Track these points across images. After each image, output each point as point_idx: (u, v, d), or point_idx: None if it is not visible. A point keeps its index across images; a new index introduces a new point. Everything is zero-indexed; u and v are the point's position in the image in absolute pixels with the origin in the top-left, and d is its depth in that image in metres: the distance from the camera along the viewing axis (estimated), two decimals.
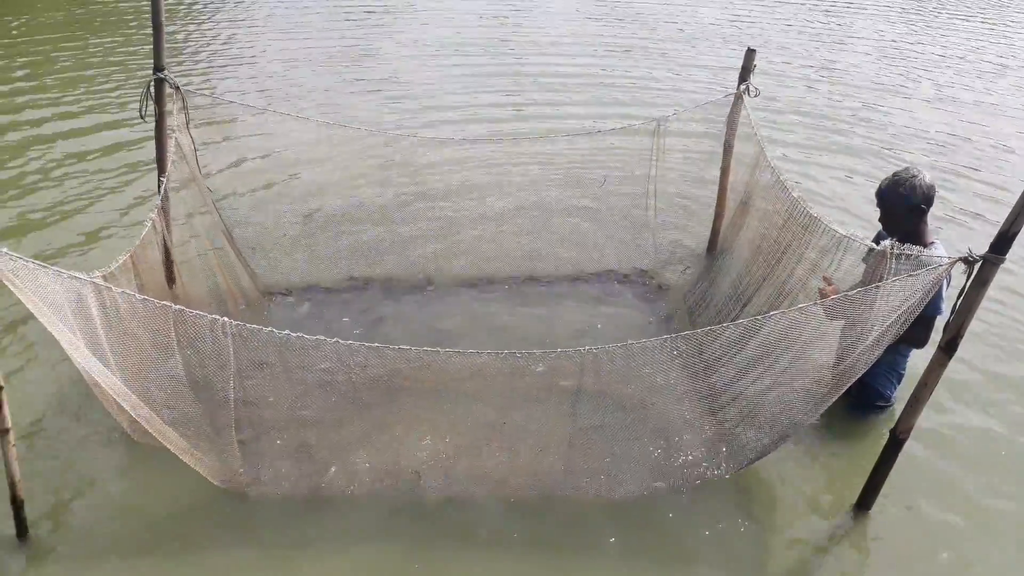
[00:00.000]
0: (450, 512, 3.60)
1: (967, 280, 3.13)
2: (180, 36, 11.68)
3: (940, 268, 3.21)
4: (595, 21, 14.40)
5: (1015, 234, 2.98)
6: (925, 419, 3.56)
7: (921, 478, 3.94)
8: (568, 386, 3.53)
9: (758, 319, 3.46)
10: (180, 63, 10.16)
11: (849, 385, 3.53)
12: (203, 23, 12.80)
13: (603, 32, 13.40)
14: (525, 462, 3.71)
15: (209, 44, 11.48)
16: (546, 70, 10.82)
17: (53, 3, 13.80)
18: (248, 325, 3.03)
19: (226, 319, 3.02)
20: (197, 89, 8.45)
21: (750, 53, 4.75)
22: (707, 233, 5.43)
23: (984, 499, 3.87)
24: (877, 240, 4.18)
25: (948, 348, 3.25)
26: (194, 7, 13.90)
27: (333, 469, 3.68)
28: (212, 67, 10.29)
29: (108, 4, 13.66)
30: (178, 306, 3.02)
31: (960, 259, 3.13)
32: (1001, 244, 3.01)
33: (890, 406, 4.29)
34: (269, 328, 3.05)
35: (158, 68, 4.17)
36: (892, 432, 3.50)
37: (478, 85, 9.95)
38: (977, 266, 3.09)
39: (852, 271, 3.92)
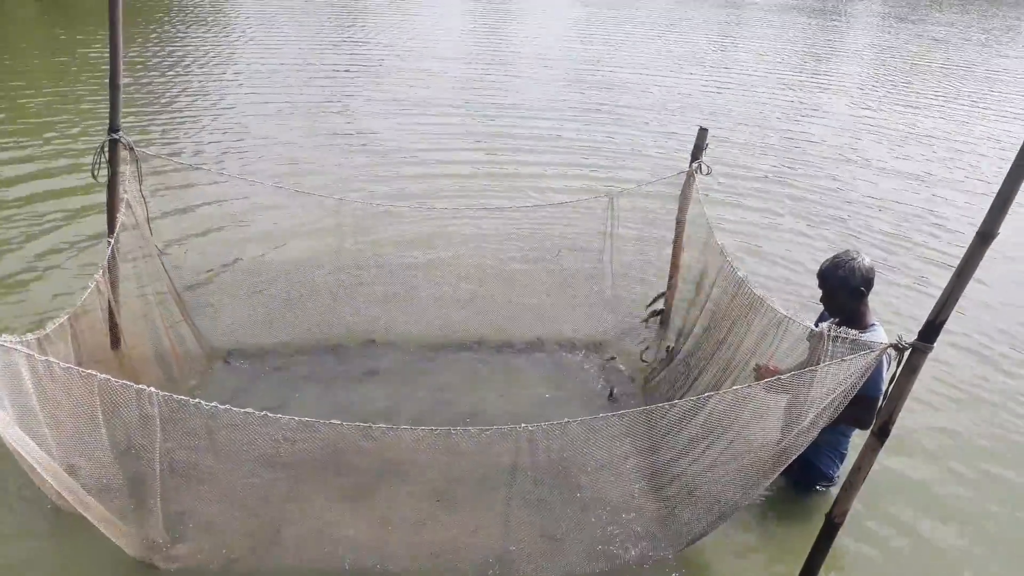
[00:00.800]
0: None
1: (897, 367, 3.16)
2: (139, 90, 11.71)
3: (872, 354, 3.23)
4: (568, 86, 14.76)
5: (942, 323, 3.02)
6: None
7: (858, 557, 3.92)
8: (505, 463, 3.48)
9: (694, 400, 3.46)
10: (136, 118, 10.11)
11: (785, 466, 3.52)
12: (166, 77, 12.90)
13: (574, 98, 13.69)
14: (460, 541, 3.64)
15: (172, 99, 11.53)
16: (514, 131, 11.04)
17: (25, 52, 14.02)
18: (175, 396, 2.98)
19: (152, 389, 2.96)
20: (153, 147, 8.50)
21: (702, 132, 4.86)
22: (661, 306, 5.46)
23: None
24: (821, 319, 4.25)
25: (880, 433, 3.25)
26: (160, 62, 14.01)
27: (260, 543, 3.59)
28: (172, 123, 10.30)
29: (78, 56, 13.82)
30: (103, 375, 2.96)
31: (891, 345, 3.17)
32: (929, 332, 3.04)
33: (833, 485, 4.28)
34: (196, 400, 3.00)
35: (113, 128, 4.18)
36: (828, 516, 3.47)
37: (443, 144, 10.15)
38: (907, 353, 3.12)
39: (795, 348, 3.95)
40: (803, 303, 5.82)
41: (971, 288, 2.98)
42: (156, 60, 13.93)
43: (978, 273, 2.93)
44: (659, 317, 5.44)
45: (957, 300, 2.96)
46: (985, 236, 2.82)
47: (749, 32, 24.27)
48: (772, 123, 12.99)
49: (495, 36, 20.66)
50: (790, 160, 10.84)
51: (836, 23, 27.67)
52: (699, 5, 29.43)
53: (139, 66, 13.17)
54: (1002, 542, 4.16)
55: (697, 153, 4.86)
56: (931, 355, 3.05)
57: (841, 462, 4.27)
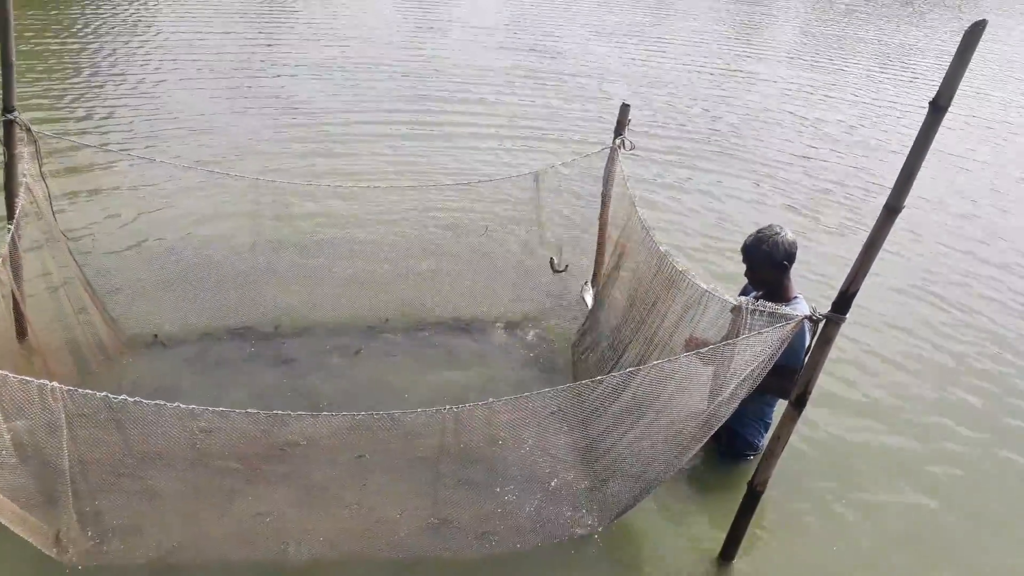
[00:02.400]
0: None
1: (811, 338, 3.25)
2: (38, 65, 11.09)
3: (788, 325, 3.30)
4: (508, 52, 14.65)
5: (854, 293, 3.10)
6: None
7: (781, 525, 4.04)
8: (432, 445, 3.45)
9: (620, 375, 3.49)
10: (36, 97, 9.51)
11: (709, 436, 3.59)
12: (69, 50, 12.25)
13: (506, 67, 13.61)
14: (391, 523, 3.61)
15: (76, 75, 10.95)
16: (442, 101, 10.97)
17: None
18: (80, 390, 2.85)
19: (55, 384, 2.82)
20: (55, 126, 8.08)
21: (624, 108, 4.86)
22: (590, 280, 5.48)
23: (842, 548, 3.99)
24: (744, 293, 4.33)
25: (798, 403, 3.34)
26: (62, 33, 13.27)
27: (184, 538, 3.49)
28: (77, 101, 9.76)
29: None
30: (1, 371, 2.81)
31: (805, 317, 3.25)
32: (842, 303, 3.13)
33: (758, 454, 4.39)
34: (104, 393, 2.86)
35: (7, 109, 3.95)
36: (750, 484, 3.56)
37: (369, 116, 10.00)
38: (821, 325, 3.20)
39: (717, 321, 4.01)
40: (728, 275, 5.92)
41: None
42: (57, 32, 13.17)
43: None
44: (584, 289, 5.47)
45: (867, 272, 3.04)
46: (892, 210, 2.89)
47: (684, 7, 24.45)
48: (700, 92, 13.20)
49: (427, 6, 20.33)
50: (715, 131, 11.04)
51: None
52: None
53: (36, 39, 12.43)
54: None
55: (620, 129, 4.86)
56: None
57: (767, 431, 4.38)
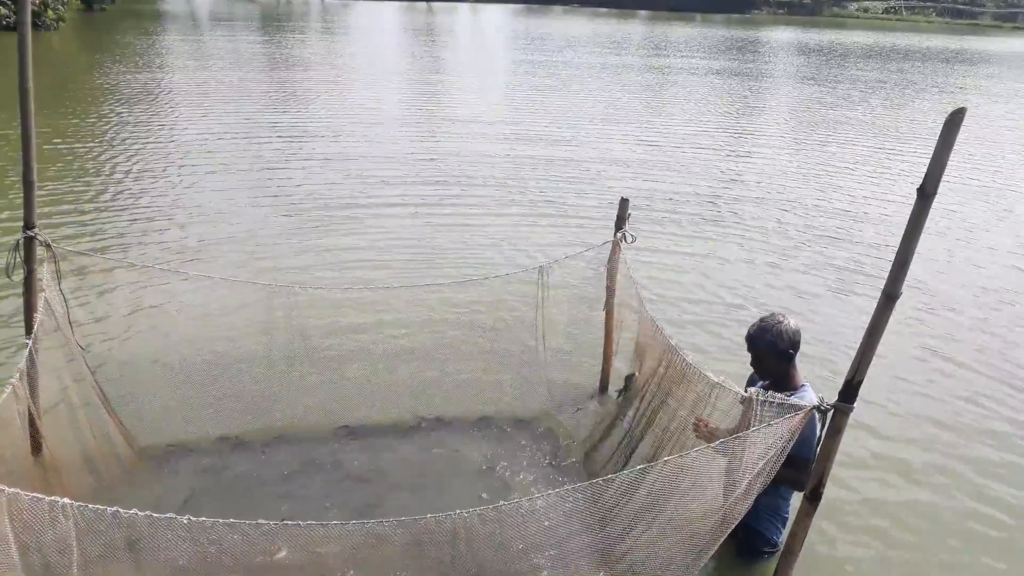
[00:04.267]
0: None
1: (822, 429, 3.23)
2: (58, 180, 11.36)
3: (796, 416, 3.29)
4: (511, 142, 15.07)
5: (860, 382, 3.11)
6: None
7: None
8: (443, 552, 3.40)
9: (633, 472, 3.47)
10: (53, 208, 9.78)
11: (727, 535, 3.52)
12: (86, 165, 12.55)
13: (508, 163, 13.99)
14: None
15: (93, 189, 11.18)
16: (446, 198, 11.25)
17: None
18: (90, 506, 2.86)
19: (66, 500, 2.84)
20: (71, 239, 8.29)
21: (624, 202, 4.98)
22: (599, 374, 5.49)
23: None
24: (751, 383, 4.32)
25: (813, 496, 3.30)
26: (78, 149, 13.68)
27: None
28: (93, 213, 9.98)
29: None
30: (12, 489, 2.83)
31: (814, 408, 3.25)
32: (848, 392, 3.13)
33: (777, 551, 4.28)
34: (114, 508, 2.87)
35: (28, 226, 4.10)
36: None
37: (375, 214, 10.28)
38: (830, 415, 3.19)
39: (729, 412, 4.00)
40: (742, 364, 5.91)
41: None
42: (74, 148, 13.64)
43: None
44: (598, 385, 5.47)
45: (871, 359, 3.06)
46: (890, 297, 2.93)
47: (676, 93, 25.18)
48: (699, 173, 13.54)
49: (431, 103, 21.05)
50: (715, 212, 11.23)
51: (755, 84, 28.94)
52: (627, 71, 30.52)
53: (56, 156, 12.89)
54: None
55: (620, 223, 4.97)
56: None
57: (784, 526, 4.28)
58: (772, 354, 4.02)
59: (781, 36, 57.68)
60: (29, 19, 3.83)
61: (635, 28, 60.44)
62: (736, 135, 18.29)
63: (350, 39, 42.46)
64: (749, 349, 4.13)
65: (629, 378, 5.01)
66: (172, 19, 47.95)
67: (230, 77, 23.37)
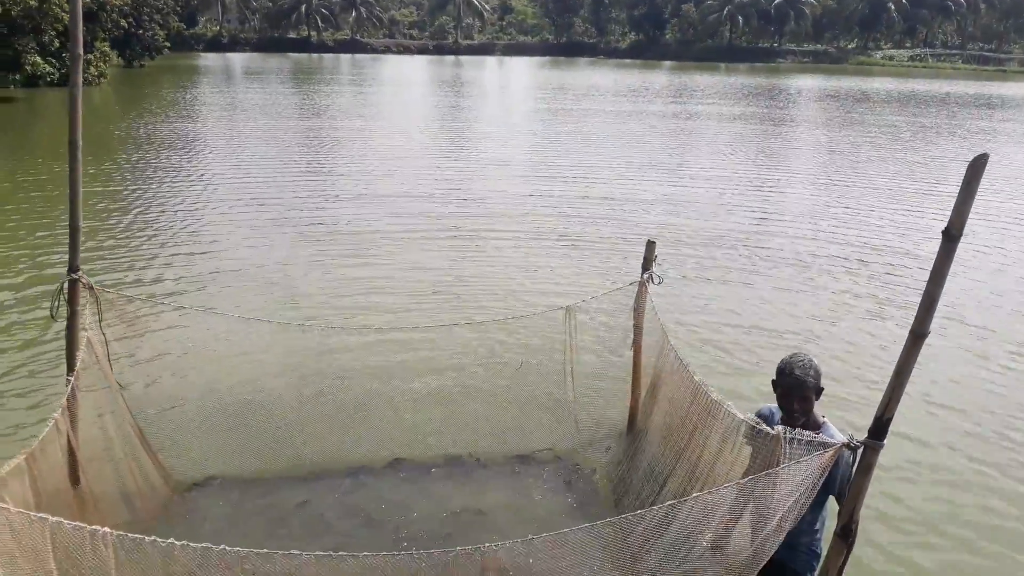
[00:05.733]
0: None
1: (852, 466, 3.22)
2: (101, 223, 11.83)
3: (827, 453, 3.29)
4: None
5: (889, 419, 3.11)
6: None
7: None
8: None
9: (660, 508, 3.47)
10: (96, 251, 10.16)
11: (757, 570, 3.50)
12: (128, 207, 13.10)
13: (538, 206, 14.17)
14: None
15: (133, 231, 11.65)
16: (475, 238, 11.42)
17: None
18: (129, 535, 2.93)
19: (106, 529, 2.91)
20: (112, 278, 8.64)
21: (650, 245, 5.04)
22: (626, 412, 5.50)
23: None
24: (762, 415, 4.30)
25: (844, 533, 3.27)
26: (121, 191, 14.23)
27: None
28: (134, 254, 10.38)
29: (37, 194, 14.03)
30: (55, 518, 2.91)
31: (843, 445, 3.24)
32: (878, 429, 3.12)
33: None
34: (152, 537, 2.94)
35: (72, 269, 4.25)
36: None
37: (408, 258, 10.44)
38: (859, 452, 3.19)
39: (760, 450, 3.99)
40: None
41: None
42: (119, 191, 14.16)
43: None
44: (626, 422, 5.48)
45: (900, 397, 3.06)
46: (918, 336, 2.94)
47: (701, 137, 25.40)
48: (723, 213, 13.58)
49: (458, 146, 21.46)
50: (741, 250, 11.28)
51: (779, 129, 29.10)
52: (651, 117, 30.86)
53: (100, 198, 13.35)
54: None
55: (647, 265, 5.03)
56: None
57: (818, 562, 4.22)
58: (812, 390, 4.02)
59: (805, 84, 58.02)
60: (80, 81, 4.04)
61: (659, 78, 61.17)
62: (760, 176, 18.39)
63: (380, 90, 43.47)
64: (779, 382, 4.13)
65: None
66: (208, 73, 49.49)
67: (263, 124, 24.04)
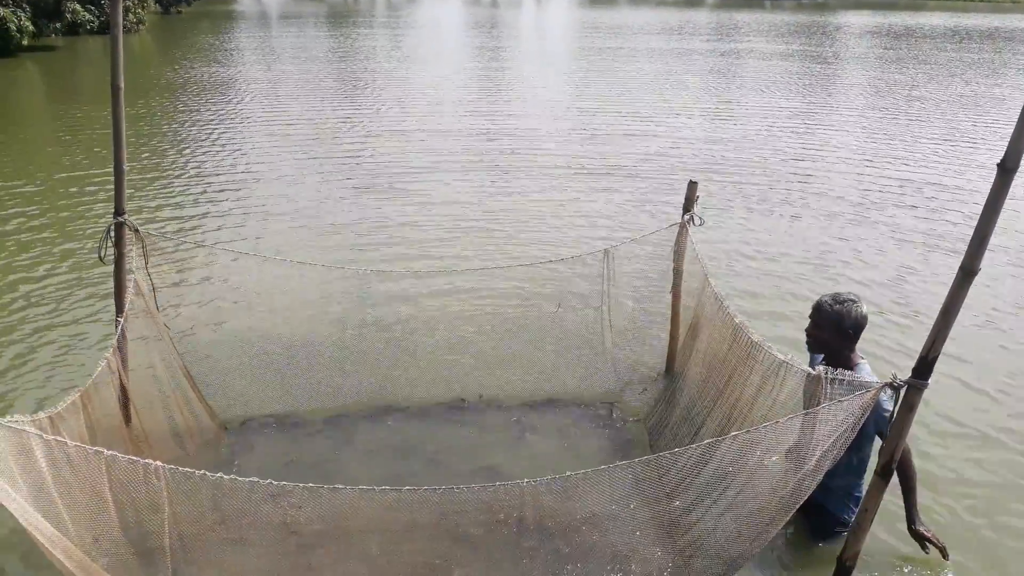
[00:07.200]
0: None
1: (895, 406, 3.19)
2: (145, 167, 11.99)
3: (868, 393, 3.26)
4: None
5: (934, 358, 3.06)
6: None
7: None
8: (511, 519, 3.49)
9: (696, 447, 3.47)
10: (141, 194, 10.37)
11: (795, 509, 3.51)
12: (172, 151, 13.30)
13: (576, 148, 14.00)
14: None
15: (178, 174, 11.83)
16: (511, 181, 11.39)
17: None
18: (181, 468, 3.03)
19: (159, 463, 3.02)
20: (159, 223, 8.82)
21: (692, 185, 4.96)
22: (664, 354, 5.49)
23: None
24: (811, 362, 4.27)
25: (884, 473, 3.26)
26: (165, 137, 14.41)
27: None
28: (178, 197, 10.54)
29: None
30: (110, 452, 3.02)
31: (886, 384, 3.20)
32: (923, 369, 3.08)
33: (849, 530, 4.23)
34: (202, 472, 3.04)
35: (118, 212, 4.33)
36: (839, 559, 3.46)
37: (448, 197, 10.51)
38: (903, 391, 3.15)
39: (796, 393, 3.97)
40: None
41: None
42: (161, 136, 14.37)
43: None
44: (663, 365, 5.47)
45: (946, 336, 3.00)
46: (967, 273, 2.87)
47: (745, 75, 24.69)
48: (771, 161, 13.27)
49: (497, 86, 21.27)
50: (788, 197, 11.03)
51: (826, 67, 28.15)
52: (694, 56, 30.06)
53: (144, 144, 13.56)
54: None
55: (688, 205, 4.96)
56: None
57: (856, 506, 4.23)
58: (832, 327, 3.99)
59: (854, 20, 55.83)
60: (121, 21, 4.05)
61: (702, 16, 59.38)
62: (807, 114, 17.91)
63: (417, 32, 42.98)
64: (813, 315, 4.10)
65: None
66: (244, 19, 49.32)
67: (300, 70, 24.02)
